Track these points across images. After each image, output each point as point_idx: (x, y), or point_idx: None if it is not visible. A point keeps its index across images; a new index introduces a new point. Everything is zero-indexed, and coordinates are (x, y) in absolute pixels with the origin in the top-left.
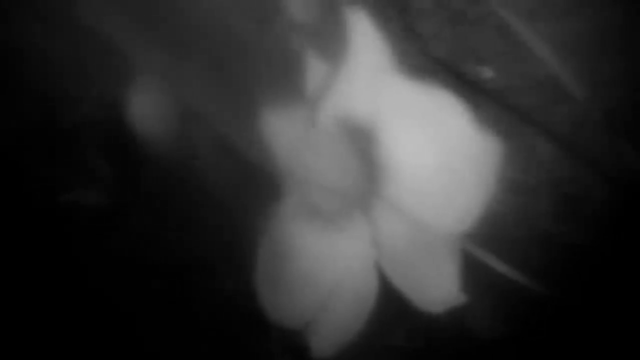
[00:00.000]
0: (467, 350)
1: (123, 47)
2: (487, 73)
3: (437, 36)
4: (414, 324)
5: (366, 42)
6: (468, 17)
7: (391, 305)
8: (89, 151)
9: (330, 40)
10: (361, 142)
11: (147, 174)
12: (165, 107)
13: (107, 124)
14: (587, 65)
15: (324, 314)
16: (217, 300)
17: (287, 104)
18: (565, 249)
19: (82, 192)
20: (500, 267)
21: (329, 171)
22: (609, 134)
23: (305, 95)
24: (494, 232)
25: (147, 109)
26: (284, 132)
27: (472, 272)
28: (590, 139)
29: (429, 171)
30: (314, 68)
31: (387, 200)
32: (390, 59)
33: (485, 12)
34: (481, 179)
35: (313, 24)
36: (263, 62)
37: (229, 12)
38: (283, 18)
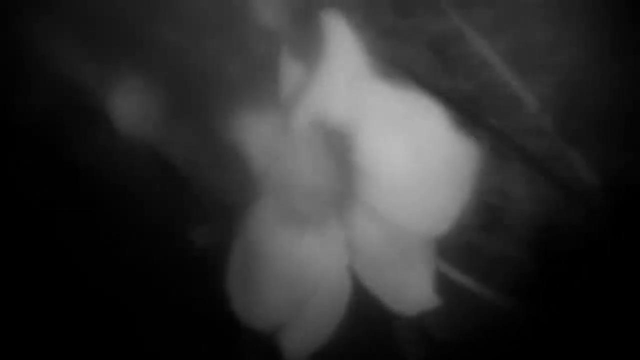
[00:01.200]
0: (433, 355)
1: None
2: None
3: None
4: (386, 327)
5: (342, 45)
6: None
7: (364, 308)
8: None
9: (305, 43)
10: (337, 145)
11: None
12: (148, 108)
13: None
14: (538, 74)
15: (298, 317)
16: (186, 302)
17: (262, 106)
18: (505, 258)
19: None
20: (460, 275)
21: (305, 174)
22: (559, 142)
23: (280, 98)
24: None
25: (131, 109)
26: (259, 135)
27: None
28: (542, 147)
29: (404, 175)
30: (289, 71)
31: (362, 203)
32: (366, 62)
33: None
34: (457, 183)
35: (286, 28)
36: (235, 66)
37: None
38: (249, 23)
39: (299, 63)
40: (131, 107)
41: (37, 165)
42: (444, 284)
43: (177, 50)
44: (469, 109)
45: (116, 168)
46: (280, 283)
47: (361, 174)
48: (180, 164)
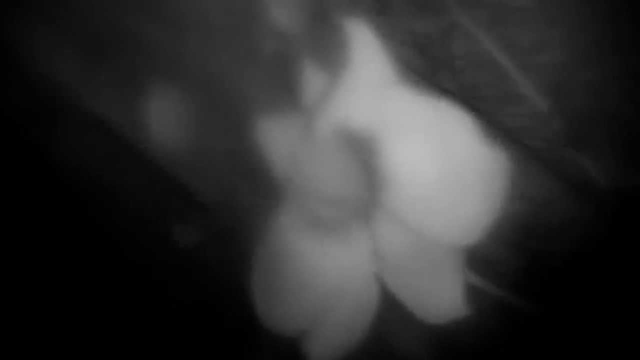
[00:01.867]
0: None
1: None
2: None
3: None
4: (415, 334)
5: (368, 52)
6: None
7: (392, 316)
8: None
9: (329, 49)
10: (362, 152)
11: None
12: (178, 114)
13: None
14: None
15: (322, 323)
16: (208, 307)
17: (283, 112)
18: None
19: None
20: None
21: (330, 181)
22: (568, 145)
23: (302, 104)
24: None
25: (161, 115)
26: (280, 141)
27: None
28: (552, 151)
29: (432, 183)
30: (312, 77)
31: (388, 211)
32: (393, 69)
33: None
34: (488, 193)
35: (307, 34)
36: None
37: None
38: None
39: (321, 69)
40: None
41: (21, 164)
42: (472, 293)
43: (166, 49)
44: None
45: (101, 167)
46: (303, 289)
47: (387, 181)
48: (165, 163)
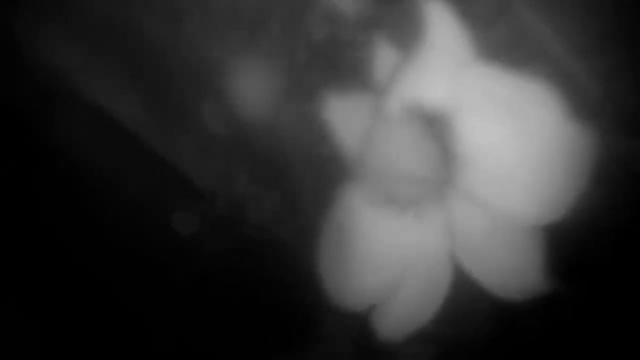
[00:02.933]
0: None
1: None
2: None
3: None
4: (486, 315)
5: (442, 30)
6: None
7: (465, 294)
8: None
9: (404, 27)
10: (438, 130)
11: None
12: (263, 90)
13: None
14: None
15: (392, 299)
16: (272, 284)
17: (353, 92)
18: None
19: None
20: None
21: (404, 159)
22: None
23: (372, 83)
24: None
25: (249, 91)
26: (351, 120)
27: None
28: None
29: (508, 160)
30: (384, 56)
31: (463, 188)
32: (471, 46)
33: None
34: (571, 172)
35: (381, 12)
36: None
37: None
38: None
39: (396, 47)
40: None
41: (16, 152)
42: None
43: (158, 38)
44: None
45: (100, 156)
46: (374, 265)
47: (463, 159)
48: (161, 150)
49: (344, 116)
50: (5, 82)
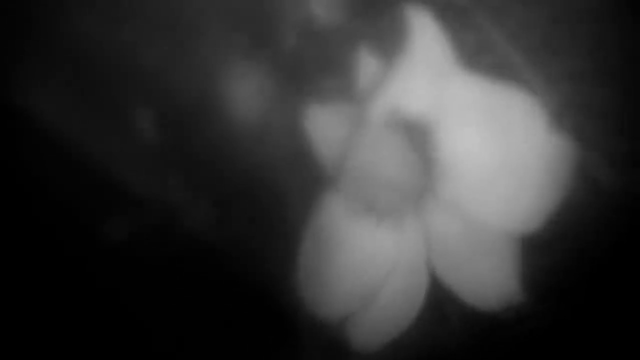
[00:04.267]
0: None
1: None
2: None
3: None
4: (461, 323)
5: (425, 37)
6: None
7: (440, 303)
8: None
9: (384, 35)
10: (418, 138)
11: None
12: (255, 94)
13: None
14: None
15: (367, 308)
16: (241, 290)
17: (333, 99)
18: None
19: None
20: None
21: (383, 167)
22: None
23: (354, 90)
24: None
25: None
26: (330, 127)
27: None
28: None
29: (489, 170)
30: (364, 64)
31: (442, 198)
32: (452, 54)
33: None
34: (550, 181)
35: (362, 18)
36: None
37: None
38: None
39: (376, 54)
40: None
41: None
42: (526, 281)
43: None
44: None
45: (24, 159)
46: (350, 273)
47: (442, 168)
48: (93, 156)
49: (323, 123)
50: None
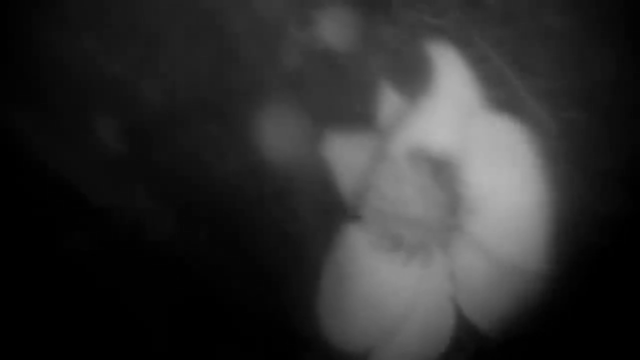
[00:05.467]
0: None
1: None
2: None
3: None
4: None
5: (451, 75)
6: None
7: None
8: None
9: (409, 70)
10: (444, 175)
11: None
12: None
13: None
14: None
15: (390, 342)
16: (256, 317)
17: (356, 132)
18: None
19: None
20: None
21: (410, 203)
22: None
23: (378, 125)
24: None
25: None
26: (356, 161)
27: None
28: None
29: (514, 209)
30: (391, 99)
31: (468, 235)
32: (478, 93)
33: None
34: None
35: (389, 54)
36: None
37: None
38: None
39: (402, 91)
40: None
41: None
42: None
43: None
44: None
45: None
46: (374, 308)
47: (467, 205)
48: (55, 166)
49: (348, 157)
50: None
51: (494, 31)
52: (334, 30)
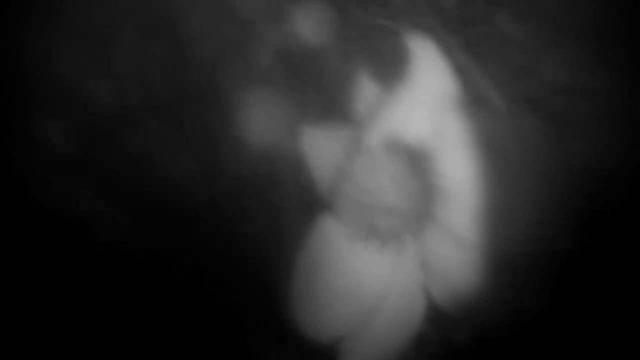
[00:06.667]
0: None
1: None
2: None
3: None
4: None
5: (429, 68)
6: None
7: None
8: None
9: (385, 62)
10: (417, 164)
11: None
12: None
13: None
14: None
15: (361, 331)
16: (233, 308)
17: (330, 124)
18: None
19: None
20: None
21: (383, 192)
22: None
23: (353, 115)
24: None
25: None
26: (327, 152)
27: None
28: None
29: (487, 197)
30: (366, 89)
31: (441, 224)
32: (454, 86)
33: None
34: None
35: (365, 46)
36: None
37: None
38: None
39: (378, 81)
40: None
41: None
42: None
43: None
44: None
45: None
46: (345, 297)
47: (440, 195)
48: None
49: (323, 149)
50: None
51: (449, 36)
52: (308, 25)
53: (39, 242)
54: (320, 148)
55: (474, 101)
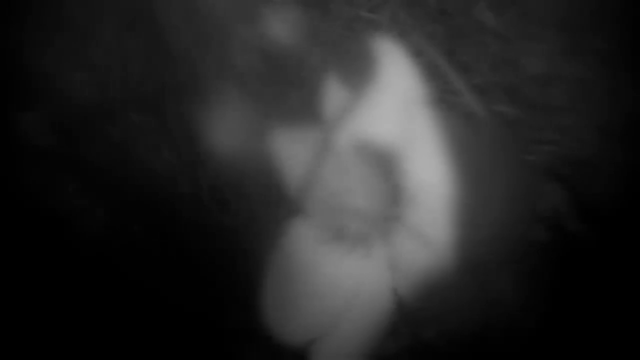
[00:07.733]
0: None
1: None
2: None
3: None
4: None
5: (395, 70)
6: None
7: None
8: None
9: (352, 65)
10: (385, 167)
11: None
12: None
13: None
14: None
15: (331, 332)
16: (191, 311)
17: (300, 125)
18: None
19: None
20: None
21: (351, 193)
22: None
23: (320, 118)
24: None
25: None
26: (296, 154)
27: None
28: None
29: (455, 198)
30: (333, 92)
31: (408, 225)
32: (420, 87)
33: None
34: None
35: (332, 47)
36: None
37: None
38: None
39: (345, 84)
40: None
41: None
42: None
43: None
44: None
45: None
46: (316, 298)
47: (407, 196)
48: None
49: (293, 150)
50: None
51: (429, 27)
52: (278, 26)
53: (18, 235)
54: (290, 149)
55: (443, 101)
